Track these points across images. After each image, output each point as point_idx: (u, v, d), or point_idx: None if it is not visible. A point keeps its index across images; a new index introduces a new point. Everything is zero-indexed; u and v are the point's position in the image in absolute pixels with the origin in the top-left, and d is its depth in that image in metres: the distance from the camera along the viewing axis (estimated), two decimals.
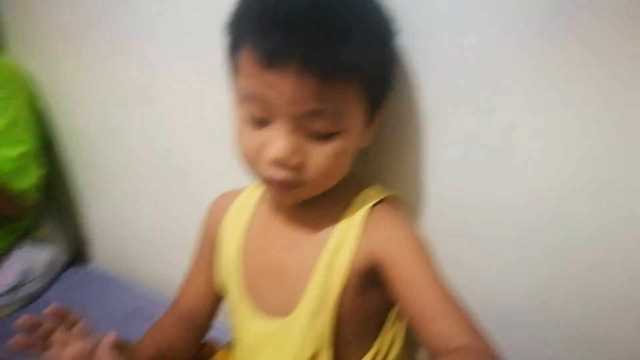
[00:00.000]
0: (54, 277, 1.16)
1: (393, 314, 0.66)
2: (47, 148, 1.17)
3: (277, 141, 0.54)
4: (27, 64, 1.15)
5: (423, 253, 0.57)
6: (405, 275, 0.56)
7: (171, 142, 0.97)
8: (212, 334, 0.77)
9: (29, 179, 1.08)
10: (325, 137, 0.55)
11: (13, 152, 1.05)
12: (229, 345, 0.76)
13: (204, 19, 0.81)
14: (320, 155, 0.55)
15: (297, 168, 0.55)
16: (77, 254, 1.25)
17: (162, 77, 0.93)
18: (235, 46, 0.56)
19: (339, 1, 0.53)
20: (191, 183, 0.99)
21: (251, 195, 0.71)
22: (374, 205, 0.62)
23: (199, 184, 0.97)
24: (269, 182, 0.58)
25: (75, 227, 1.26)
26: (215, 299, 0.74)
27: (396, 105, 0.66)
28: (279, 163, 0.55)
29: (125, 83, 0.99)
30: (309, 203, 0.62)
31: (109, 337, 0.54)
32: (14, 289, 1.08)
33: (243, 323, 0.67)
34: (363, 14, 0.55)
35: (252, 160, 0.58)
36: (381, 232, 0.59)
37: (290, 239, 0.64)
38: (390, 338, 0.66)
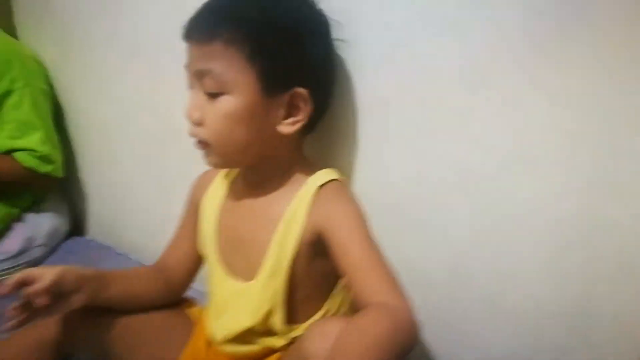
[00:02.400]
0: (55, 245, 1.28)
1: (340, 283, 0.77)
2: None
3: (188, 100, 0.70)
4: (35, 44, 1.26)
5: (359, 223, 0.68)
6: (341, 241, 0.67)
7: (169, 128, 1.09)
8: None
9: (53, 161, 1.21)
10: (215, 96, 0.68)
11: (35, 138, 1.17)
12: (203, 304, 0.88)
13: None
14: (212, 113, 0.68)
15: (200, 124, 0.69)
16: (76, 226, 1.37)
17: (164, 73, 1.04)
18: None
19: None
20: (184, 168, 1.09)
21: (228, 174, 0.83)
22: (324, 184, 0.72)
23: (191, 168, 1.08)
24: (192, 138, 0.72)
25: (76, 202, 1.38)
26: (192, 264, 0.87)
27: (341, 104, 0.78)
28: (188, 117, 0.70)
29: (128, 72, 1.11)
30: (268, 182, 0.75)
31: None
32: (18, 254, 1.20)
33: (216, 283, 0.79)
34: (266, 11, 0.67)
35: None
36: (326, 207, 0.70)
37: (253, 212, 0.76)
38: (337, 304, 0.77)
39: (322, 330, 0.60)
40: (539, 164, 0.67)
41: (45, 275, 0.71)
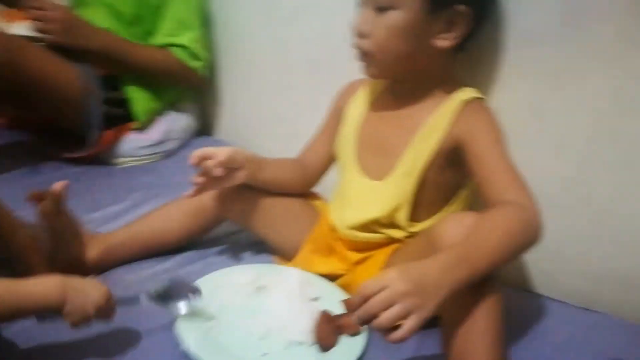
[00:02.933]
0: (187, 140, 1.45)
1: (460, 194, 0.87)
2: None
3: (358, 16, 0.79)
4: None
5: (498, 138, 0.78)
6: (480, 150, 0.77)
7: (303, 41, 1.19)
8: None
9: (201, 59, 1.35)
10: (384, 11, 0.76)
11: (189, 36, 1.32)
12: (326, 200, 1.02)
13: None
14: (379, 27, 0.78)
15: (366, 36, 0.79)
16: (206, 126, 1.53)
17: None
18: None
19: None
20: (314, 76, 1.21)
21: (373, 86, 0.93)
22: (469, 100, 0.81)
23: (321, 77, 1.19)
24: (356, 50, 0.80)
25: (208, 104, 1.52)
26: (326, 163, 0.99)
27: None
28: (355, 30, 0.79)
29: None
30: (415, 94, 0.84)
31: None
32: (158, 144, 1.38)
33: (349, 180, 0.91)
34: None
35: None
36: (469, 120, 0.79)
37: (396, 120, 0.86)
38: (457, 208, 0.87)
39: (456, 218, 0.70)
40: None
41: (221, 152, 0.87)
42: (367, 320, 0.61)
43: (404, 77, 0.85)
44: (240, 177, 0.90)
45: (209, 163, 0.86)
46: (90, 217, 1.09)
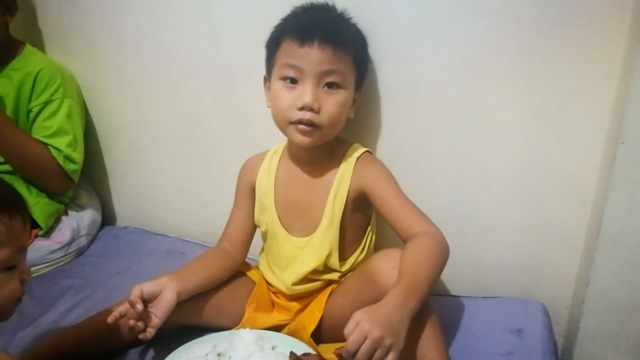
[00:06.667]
0: (95, 234, 1.47)
1: (369, 226, 1.04)
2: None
3: (306, 93, 0.90)
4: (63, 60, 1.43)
5: (391, 180, 0.96)
6: (381, 194, 0.94)
7: (190, 118, 1.30)
8: None
9: (76, 162, 1.36)
10: (334, 90, 0.91)
11: (65, 141, 1.33)
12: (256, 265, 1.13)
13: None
14: (330, 103, 0.92)
15: (317, 112, 0.91)
16: (109, 216, 1.56)
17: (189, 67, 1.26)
18: (278, 39, 0.95)
19: (337, 14, 0.98)
20: (209, 153, 1.32)
21: (274, 155, 1.07)
22: (360, 155, 0.99)
23: (216, 153, 1.31)
24: (298, 123, 0.92)
25: (106, 194, 1.55)
26: (249, 237, 1.10)
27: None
28: (307, 106, 0.90)
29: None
30: (317, 158, 0.99)
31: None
32: (68, 244, 1.38)
33: (280, 243, 1.03)
34: (351, 23, 0.99)
35: (285, 112, 0.93)
36: (364, 172, 0.97)
37: (307, 184, 1.01)
38: (369, 238, 1.04)
39: (386, 254, 0.87)
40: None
41: (131, 295, 0.90)
42: None
43: (325, 144, 0.98)
44: (169, 298, 0.91)
45: (122, 310, 0.90)
46: (22, 334, 1.07)
